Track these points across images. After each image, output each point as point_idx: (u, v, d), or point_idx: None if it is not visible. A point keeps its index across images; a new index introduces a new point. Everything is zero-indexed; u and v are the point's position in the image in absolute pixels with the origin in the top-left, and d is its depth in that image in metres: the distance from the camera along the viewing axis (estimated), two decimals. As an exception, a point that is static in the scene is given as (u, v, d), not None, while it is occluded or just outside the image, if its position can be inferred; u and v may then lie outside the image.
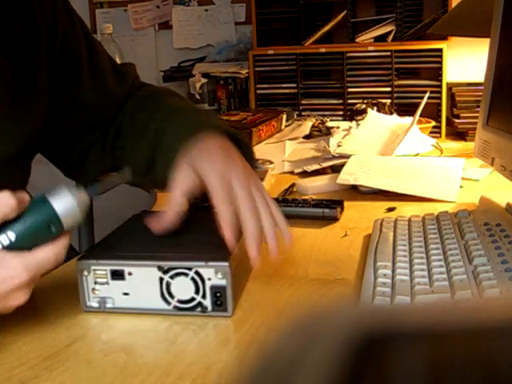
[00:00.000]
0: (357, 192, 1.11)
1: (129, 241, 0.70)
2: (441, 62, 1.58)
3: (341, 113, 1.71)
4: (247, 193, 0.67)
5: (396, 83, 1.65)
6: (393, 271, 0.67)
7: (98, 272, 0.65)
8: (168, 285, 0.63)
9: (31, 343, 0.60)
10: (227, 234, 0.64)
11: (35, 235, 0.58)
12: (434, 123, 1.55)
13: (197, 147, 0.71)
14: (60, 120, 0.86)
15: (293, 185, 1.15)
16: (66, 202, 0.59)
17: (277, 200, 1.01)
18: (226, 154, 0.71)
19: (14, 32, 0.77)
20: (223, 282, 0.62)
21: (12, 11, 0.77)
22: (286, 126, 1.63)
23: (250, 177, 0.70)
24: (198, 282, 0.63)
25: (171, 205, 0.68)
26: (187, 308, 0.64)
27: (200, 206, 0.74)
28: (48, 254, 0.58)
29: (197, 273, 0.63)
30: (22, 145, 0.80)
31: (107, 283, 0.65)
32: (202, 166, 0.68)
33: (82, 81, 0.86)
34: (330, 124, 1.57)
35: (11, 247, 0.57)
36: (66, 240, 0.60)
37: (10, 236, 0.57)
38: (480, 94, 1.08)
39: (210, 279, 0.62)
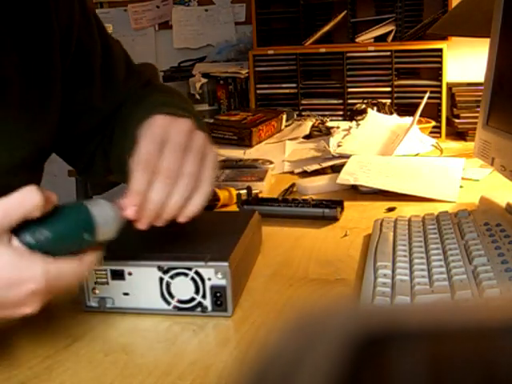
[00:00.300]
0: (357, 192, 1.11)
1: (128, 241, 0.70)
2: (441, 62, 1.58)
3: (341, 113, 1.71)
4: (174, 157, 0.61)
5: (396, 83, 1.65)
6: (393, 271, 0.67)
7: (98, 272, 0.65)
8: (168, 285, 0.63)
9: (31, 343, 0.60)
10: (127, 201, 0.59)
11: (66, 239, 0.54)
12: (433, 123, 1.55)
13: (144, 126, 0.65)
14: (72, 124, 0.86)
15: (293, 185, 1.15)
16: (104, 211, 0.56)
17: (277, 200, 1.01)
18: (171, 119, 0.65)
19: (28, 34, 0.77)
20: (223, 282, 0.62)
21: (27, 13, 0.77)
22: (286, 126, 1.63)
23: (192, 136, 0.63)
24: (198, 281, 0.63)
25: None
26: (187, 308, 0.64)
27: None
28: (72, 268, 0.53)
29: (197, 273, 0.63)
30: (36, 148, 0.80)
31: (107, 283, 0.65)
32: (141, 135, 0.63)
33: (95, 85, 0.86)
34: (329, 124, 1.57)
35: (36, 248, 0.52)
36: (92, 258, 0.55)
37: (37, 235, 0.52)
38: (480, 93, 1.08)
39: (209, 279, 0.62)
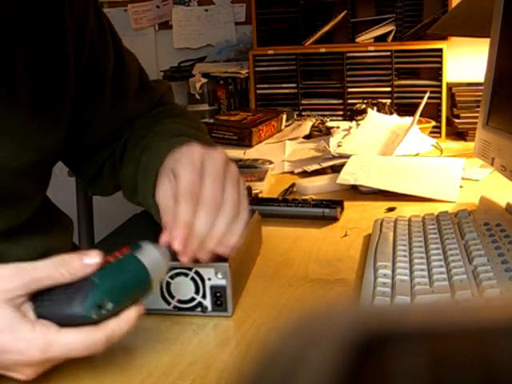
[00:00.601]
0: (357, 192, 1.11)
1: (129, 241, 0.70)
2: (441, 62, 1.58)
3: (341, 113, 1.71)
4: (216, 186, 0.60)
5: (396, 83, 1.65)
6: (393, 271, 0.67)
7: None
8: (168, 285, 0.63)
9: (31, 343, 0.60)
10: (175, 234, 0.58)
11: (123, 304, 0.50)
12: (433, 123, 1.55)
13: (173, 158, 0.66)
14: (80, 134, 0.86)
15: (293, 185, 1.15)
16: (153, 259, 0.53)
17: (277, 200, 1.01)
18: (204, 149, 0.65)
19: (41, 39, 0.77)
20: (223, 282, 0.62)
21: (41, 19, 0.76)
22: (286, 126, 1.63)
23: (228, 166, 0.63)
24: (198, 282, 0.63)
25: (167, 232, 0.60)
26: (187, 308, 0.64)
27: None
28: (77, 342, 0.48)
29: (197, 273, 0.63)
30: (46, 153, 0.79)
31: None
32: (176, 166, 0.62)
33: (105, 96, 0.86)
34: (329, 124, 1.57)
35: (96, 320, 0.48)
36: (107, 331, 0.49)
37: (101, 311, 0.48)
38: (480, 94, 1.08)
39: (209, 279, 0.62)
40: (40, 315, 0.49)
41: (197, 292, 0.63)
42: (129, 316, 0.50)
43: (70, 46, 0.79)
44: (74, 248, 0.97)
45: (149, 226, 0.76)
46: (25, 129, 0.75)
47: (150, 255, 0.52)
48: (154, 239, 0.69)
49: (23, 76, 0.75)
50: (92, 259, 0.50)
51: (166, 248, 0.55)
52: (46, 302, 0.48)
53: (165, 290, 0.64)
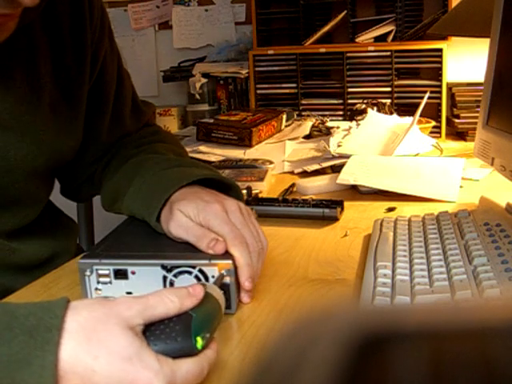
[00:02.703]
0: (357, 192, 1.11)
1: (130, 240, 0.71)
2: (441, 62, 1.58)
3: (341, 113, 1.71)
4: (248, 227, 0.68)
5: (396, 83, 1.65)
6: (393, 271, 0.67)
7: (100, 272, 0.64)
8: (172, 283, 0.63)
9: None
10: (244, 276, 0.64)
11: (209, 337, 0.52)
12: (433, 123, 1.55)
13: (176, 196, 0.71)
14: (79, 152, 0.87)
15: (293, 185, 1.15)
16: (219, 297, 0.56)
17: (277, 200, 1.01)
18: (208, 193, 0.72)
19: (65, 48, 0.78)
20: (227, 280, 0.62)
21: (65, 26, 0.78)
22: (286, 126, 1.63)
23: (239, 205, 0.70)
24: (202, 279, 0.63)
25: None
26: None
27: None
28: (191, 371, 0.48)
29: (200, 271, 0.63)
30: (60, 157, 0.81)
31: (110, 282, 0.65)
32: (196, 213, 0.67)
33: (106, 114, 0.88)
34: (329, 124, 1.57)
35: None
36: (213, 351, 0.51)
37: (205, 341, 0.50)
38: (480, 94, 1.08)
39: (213, 277, 0.63)
40: (153, 347, 0.48)
41: None
42: (214, 344, 0.52)
43: (89, 58, 0.81)
44: (78, 250, 0.98)
45: (147, 225, 0.76)
46: (44, 131, 0.76)
47: (215, 290, 0.57)
48: (155, 237, 0.69)
49: (47, 79, 0.76)
50: (198, 291, 0.52)
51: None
52: (156, 334, 0.49)
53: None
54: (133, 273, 0.64)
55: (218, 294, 0.57)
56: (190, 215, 0.67)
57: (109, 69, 0.86)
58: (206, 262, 0.62)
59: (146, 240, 0.69)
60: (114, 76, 0.88)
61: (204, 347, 0.50)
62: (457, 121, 1.59)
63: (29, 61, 0.74)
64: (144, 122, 0.94)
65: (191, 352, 0.49)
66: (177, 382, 0.47)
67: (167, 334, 0.49)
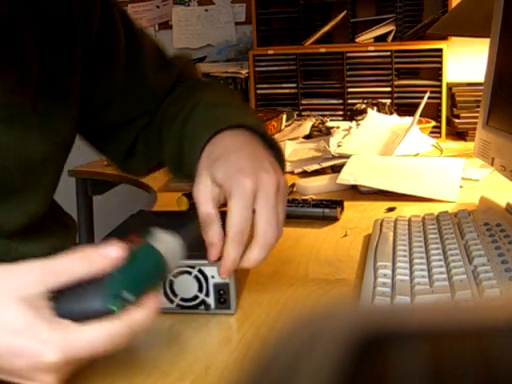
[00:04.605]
0: (357, 192, 1.11)
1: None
2: (441, 62, 1.58)
3: (341, 113, 1.71)
4: (264, 219, 0.60)
5: (396, 83, 1.65)
6: (393, 271, 0.67)
7: None
8: (171, 283, 0.63)
9: (31, 343, 0.60)
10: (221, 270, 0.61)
11: (141, 294, 0.49)
12: (433, 123, 1.55)
13: (218, 147, 0.65)
14: (97, 115, 0.85)
15: (293, 185, 1.15)
16: (169, 248, 0.52)
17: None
18: (252, 154, 0.64)
19: (49, 24, 0.76)
20: (226, 280, 0.62)
21: (50, 7, 0.76)
22: (286, 126, 1.63)
23: (278, 183, 0.62)
24: (202, 280, 0.63)
25: (205, 226, 0.61)
26: (190, 306, 0.64)
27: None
28: (100, 336, 0.45)
29: (200, 271, 0.63)
30: (59, 141, 0.79)
31: None
32: (223, 178, 0.61)
33: (117, 75, 0.84)
34: (329, 124, 1.57)
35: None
36: (129, 321, 0.47)
37: (123, 302, 0.47)
38: (480, 94, 1.08)
39: (213, 277, 0.63)
40: (58, 313, 0.46)
41: (200, 290, 0.63)
42: (149, 305, 0.49)
43: (79, 31, 0.79)
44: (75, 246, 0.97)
45: (146, 225, 0.76)
46: (32, 116, 0.74)
47: (164, 242, 0.52)
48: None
49: (33, 61, 0.75)
50: (111, 251, 0.48)
51: (178, 234, 0.54)
52: (63, 299, 0.46)
53: (168, 289, 0.64)
54: (132, 273, 0.64)
55: (167, 245, 0.52)
56: (215, 179, 0.62)
57: (107, 34, 0.83)
58: (206, 261, 0.62)
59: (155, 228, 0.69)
60: (118, 38, 0.85)
61: (125, 308, 0.47)
62: (457, 121, 1.59)
63: (13, 43, 0.72)
64: (176, 73, 0.89)
65: (104, 314, 0.46)
66: (74, 351, 0.44)
67: (79, 297, 0.46)
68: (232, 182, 0.60)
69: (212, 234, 0.61)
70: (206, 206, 0.62)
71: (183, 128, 0.75)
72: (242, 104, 0.83)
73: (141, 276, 0.49)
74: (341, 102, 1.71)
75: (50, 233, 0.85)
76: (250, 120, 0.71)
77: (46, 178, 0.80)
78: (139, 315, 0.47)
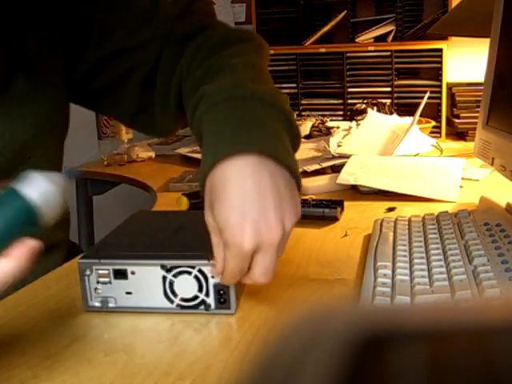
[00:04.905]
0: (357, 192, 1.11)
1: (130, 240, 0.71)
2: (441, 62, 1.58)
3: (341, 113, 1.71)
4: (265, 267, 0.57)
5: (396, 83, 1.65)
6: (393, 271, 0.67)
7: (100, 272, 0.64)
8: (171, 283, 0.64)
9: (31, 343, 0.60)
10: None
11: (4, 243, 0.46)
12: (433, 123, 1.55)
13: (219, 180, 0.56)
14: (93, 78, 0.81)
15: (293, 185, 1.15)
16: (42, 189, 0.47)
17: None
18: (257, 194, 0.55)
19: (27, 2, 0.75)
20: None
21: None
22: (286, 126, 1.63)
23: (281, 236, 0.55)
24: (202, 280, 0.63)
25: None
26: (190, 306, 0.64)
27: (201, 205, 0.74)
28: None
29: (200, 271, 0.63)
30: (45, 122, 0.77)
31: (110, 282, 0.65)
32: (222, 228, 0.56)
33: (93, 37, 0.80)
34: (329, 124, 1.57)
35: None
36: (22, 250, 0.46)
37: None
38: (480, 93, 1.08)
39: (213, 277, 0.63)
40: None
41: (200, 290, 0.63)
42: (17, 253, 0.46)
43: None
44: (71, 244, 0.97)
45: (146, 224, 0.76)
46: (17, 100, 0.73)
47: (37, 186, 0.47)
48: (155, 237, 0.69)
49: (14, 41, 0.73)
50: None
51: (59, 175, 0.50)
52: None
53: (168, 289, 0.64)
54: (132, 273, 0.64)
55: (41, 189, 0.47)
56: (217, 224, 0.57)
57: None
58: (206, 261, 0.62)
59: (145, 240, 0.69)
60: None
61: None
62: (457, 121, 1.59)
63: None
64: (185, 4, 0.81)
65: None
66: None
67: None
68: (228, 237, 0.55)
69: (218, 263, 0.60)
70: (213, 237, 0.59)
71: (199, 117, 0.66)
72: (275, 106, 0.66)
73: (3, 223, 0.45)
74: (341, 102, 1.71)
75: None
76: (269, 142, 0.60)
77: (37, 158, 0.78)
78: (2, 265, 0.45)
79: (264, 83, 0.71)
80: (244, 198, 0.55)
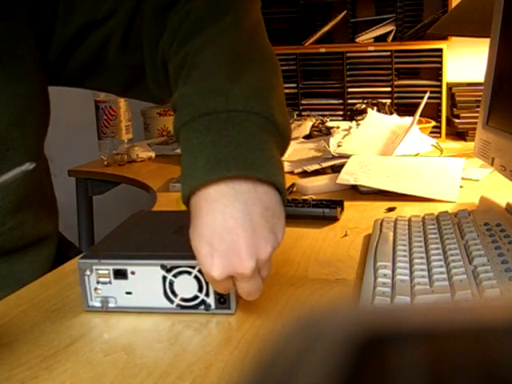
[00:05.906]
0: (357, 192, 1.11)
1: (130, 240, 0.71)
2: (441, 62, 1.58)
3: (341, 113, 1.71)
4: (248, 290, 0.57)
5: (396, 83, 1.65)
6: (393, 271, 0.67)
7: (100, 272, 0.65)
8: (171, 283, 0.64)
9: (31, 343, 0.60)
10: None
11: None
12: (433, 123, 1.55)
13: (200, 202, 0.57)
14: (71, 55, 0.79)
15: (293, 185, 1.15)
16: None
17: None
18: (239, 217, 0.54)
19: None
20: None
21: None
22: (286, 126, 1.63)
23: (261, 263, 0.55)
24: (201, 280, 0.63)
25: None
26: (190, 306, 0.64)
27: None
28: None
29: (200, 271, 0.63)
30: (20, 112, 0.75)
31: (110, 282, 0.65)
32: (192, 244, 0.56)
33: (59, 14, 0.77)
34: (329, 124, 1.57)
35: None
36: None
37: None
38: (480, 94, 1.08)
39: None
40: None
41: (200, 290, 0.63)
42: None
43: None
44: (61, 238, 0.96)
45: (146, 224, 0.76)
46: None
47: None
48: (155, 237, 0.69)
49: None
50: None
51: None
52: None
53: (168, 289, 0.64)
54: (132, 273, 0.64)
55: None
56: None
57: None
58: None
59: (145, 240, 0.70)
60: None
61: None
62: (457, 121, 1.59)
63: None
64: None
65: None
66: None
67: None
68: (200, 264, 0.56)
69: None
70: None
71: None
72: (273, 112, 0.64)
73: None
74: (341, 102, 1.71)
75: (35, 216, 0.83)
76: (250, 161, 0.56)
77: (15, 150, 0.76)
78: None
79: (244, 70, 0.65)
80: (213, 231, 0.54)
